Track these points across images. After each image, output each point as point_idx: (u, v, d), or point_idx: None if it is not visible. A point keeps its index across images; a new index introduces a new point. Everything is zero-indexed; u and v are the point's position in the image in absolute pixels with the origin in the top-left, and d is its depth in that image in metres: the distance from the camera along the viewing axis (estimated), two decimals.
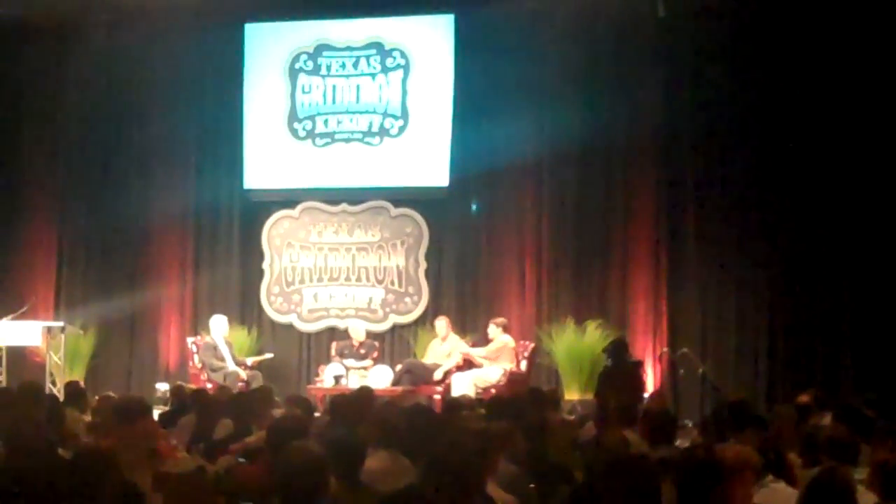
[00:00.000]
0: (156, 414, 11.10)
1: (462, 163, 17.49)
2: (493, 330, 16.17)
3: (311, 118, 18.24)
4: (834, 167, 15.96)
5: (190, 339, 17.31)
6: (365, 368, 16.36)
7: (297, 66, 18.36)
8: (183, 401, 11.51)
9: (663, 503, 5.58)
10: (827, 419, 9.92)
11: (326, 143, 18.17)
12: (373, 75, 18.12)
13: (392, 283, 17.85)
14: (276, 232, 18.28)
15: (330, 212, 18.17)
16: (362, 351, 16.84)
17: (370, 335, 17.30)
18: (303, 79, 18.35)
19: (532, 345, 16.44)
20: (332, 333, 17.85)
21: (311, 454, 5.94)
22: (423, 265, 17.78)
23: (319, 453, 6.06)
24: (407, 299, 17.80)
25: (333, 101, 18.24)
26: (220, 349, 16.77)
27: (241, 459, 7.27)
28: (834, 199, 15.95)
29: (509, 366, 15.89)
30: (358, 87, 18.20)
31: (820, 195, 16.02)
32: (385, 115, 17.98)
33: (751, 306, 16.37)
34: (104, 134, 18.91)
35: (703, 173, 16.78)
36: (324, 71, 18.30)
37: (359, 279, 17.97)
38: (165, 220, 18.58)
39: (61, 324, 17.13)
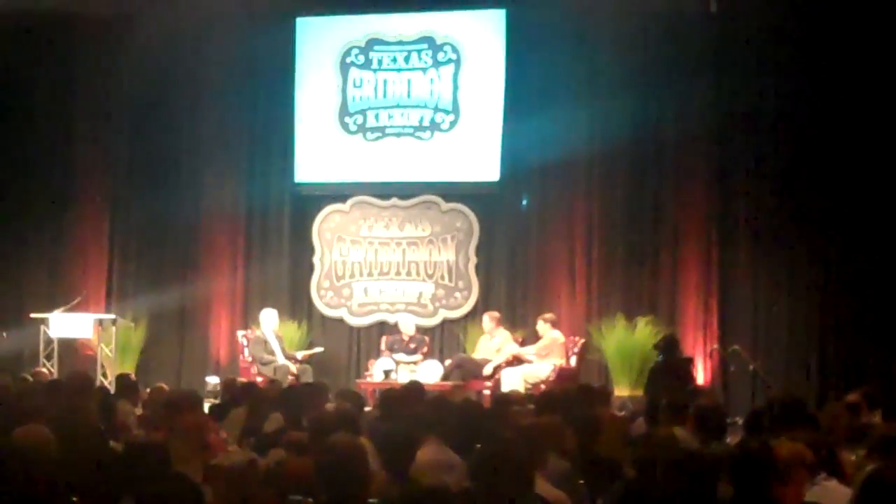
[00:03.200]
0: (206, 407, 11.16)
1: (513, 158, 17.47)
2: (542, 326, 16.15)
3: (363, 112, 18.26)
4: (889, 163, 15.81)
5: (240, 333, 17.37)
6: (415, 363, 16.38)
7: (348, 60, 18.38)
8: (234, 394, 11.54)
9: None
10: (878, 417, 9.85)
11: (377, 138, 18.19)
12: (424, 69, 18.12)
13: (442, 277, 17.85)
14: (327, 226, 18.31)
15: (380, 206, 18.18)
16: (412, 345, 16.85)
17: (420, 330, 17.29)
18: (354, 73, 18.36)
19: (582, 340, 16.41)
20: (382, 328, 17.88)
21: (351, 446, 5.95)
22: (474, 260, 17.77)
23: (360, 444, 6.07)
24: (457, 294, 17.79)
25: (384, 96, 18.25)
26: (271, 343, 16.81)
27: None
28: (887, 193, 15.80)
29: (559, 361, 15.86)
30: (409, 81, 18.20)
31: (875, 191, 15.87)
32: (436, 109, 17.98)
33: (803, 303, 16.26)
34: (156, 127, 18.99)
35: (755, 169, 16.68)
36: (375, 65, 18.31)
37: (409, 274, 17.98)
38: (217, 213, 18.66)
39: (113, 316, 17.31)
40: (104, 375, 16.30)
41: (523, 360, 16.01)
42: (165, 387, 12.39)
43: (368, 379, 16.35)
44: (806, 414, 8.83)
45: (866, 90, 15.89)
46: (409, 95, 18.16)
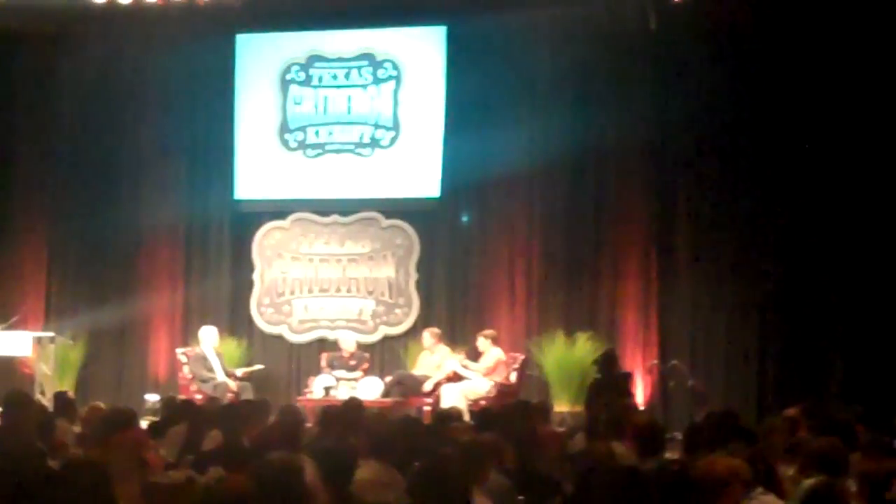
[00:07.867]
0: (145, 425, 11.10)
1: (453, 174, 17.50)
2: (483, 343, 16.10)
3: (303, 129, 18.24)
4: (825, 182, 15.92)
5: (180, 350, 17.24)
6: (355, 380, 16.30)
7: (288, 77, 18.36)
8: (173, 412, 11.47)
9: None
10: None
11: (318, 154, 18.18)
12: (364, 86, 18.13)
13: (382, 294, 17.84)
14: (267, 243, 18.26)
15: (321, 223, 18.16)
16: (352, 362, 16.80)
17: (360, 346, 17.25)
18: (294, 90, 18.35)
19: (522, 357, 16.39)
20: (323, 345, 17.81)
21: (286, 464, 5.94)
22: (414, 276, 17.77)
23: (298, 462, 6.06)
24: (397, 310, 17.78)
25: (325, 112, 18.24)
26: (210, 360, 16.72)
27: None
28: (824, 211, 15.92)
29: (499, 378, 15.86)
30: (349, 98, 18.20)
31: (810, 207, 16.00)
32: (376, 126, 17.99)
33: (741, 318, 16.36)
34: (95, 143, 18.85)
35: (694, 184, 16.80)
36: (315, 82, 18.31)
37: (349, 290, 17.96)
38: (156, 230, 18.55)
39: (51, 334, 17.14)
40: (42, 393, 16.13)
41: (464, 377, 16.00)
42: (102, 405, 12.29)
43: (308, 396, 16.27)
44: (743, 429, 8.89)
45: (806, 103, 16.04)
46: (349, 112, 18.17)
